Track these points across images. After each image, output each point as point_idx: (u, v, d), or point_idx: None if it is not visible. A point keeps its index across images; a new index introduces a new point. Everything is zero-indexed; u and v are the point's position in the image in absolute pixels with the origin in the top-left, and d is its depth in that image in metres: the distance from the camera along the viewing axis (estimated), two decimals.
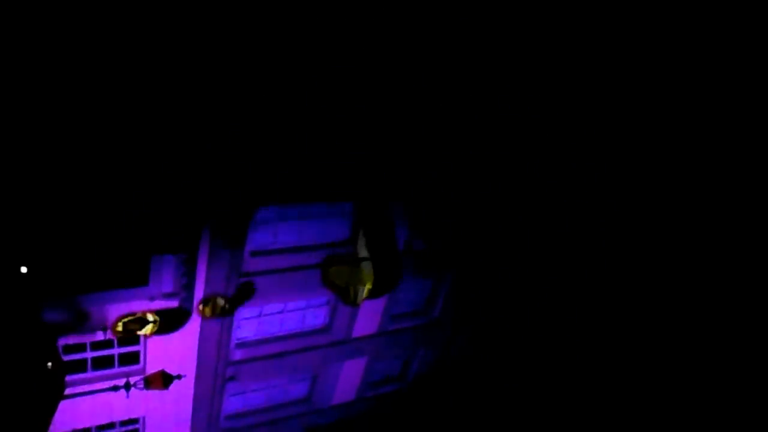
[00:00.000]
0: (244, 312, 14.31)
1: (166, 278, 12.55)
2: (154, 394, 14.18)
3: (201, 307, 13.39)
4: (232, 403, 16.05)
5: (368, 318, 16.07)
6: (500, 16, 12.94)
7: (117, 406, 13.93)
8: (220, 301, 13.53)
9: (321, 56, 11.74)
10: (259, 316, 14.73)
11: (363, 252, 13.98)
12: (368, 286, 13.63)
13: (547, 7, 13.24)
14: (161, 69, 10.49)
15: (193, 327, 13.49)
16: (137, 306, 12.56)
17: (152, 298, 12.59)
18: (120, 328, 12.58)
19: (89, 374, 13.30)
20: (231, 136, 11.64)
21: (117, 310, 12.38)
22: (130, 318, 12.66)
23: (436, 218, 15.33)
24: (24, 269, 10.33)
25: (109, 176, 11.05)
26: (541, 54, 13.75)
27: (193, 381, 14.46)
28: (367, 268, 13.73)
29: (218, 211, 12.31)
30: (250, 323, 14.72)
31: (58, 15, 9.51)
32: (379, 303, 16.02)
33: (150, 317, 12.80)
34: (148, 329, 12.87)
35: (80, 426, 13.95)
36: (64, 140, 10.41)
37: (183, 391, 14.50)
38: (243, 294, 14.00)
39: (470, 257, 16.57)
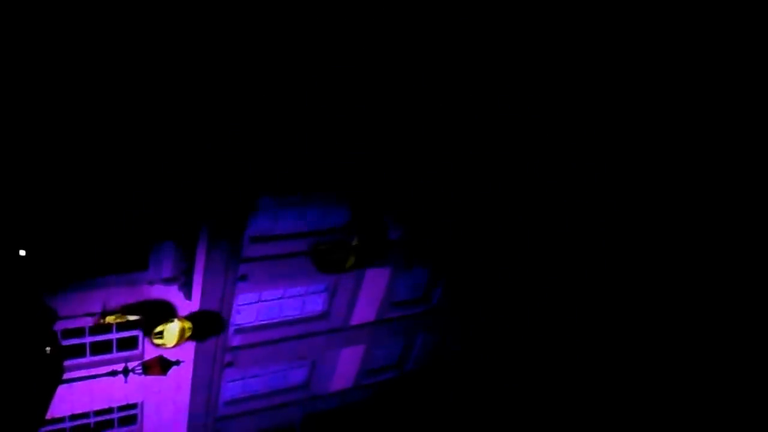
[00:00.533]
0: (243, 298, 14.35)
1: (165, 263, 12.57)
2: (153, 379, 14.25)
3: (157, 331, 12.79)
4: (230, 389, 16.12)
5: (367, 305, 16.12)
6: (500, 15, 12.94)
7: (115, 391, 13.99)
8: (186, 323, 13.12)
9: (321, 57, 11.77)
10: (258, 302, 14.77)
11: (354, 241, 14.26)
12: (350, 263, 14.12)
13: (546, 7, 13.25)
14: (165, 70, 10.54)
15: (191, 311, 13.51)
16: (136, 291, 12.58)
17: (151, 283, 12.61)
18: (113, 318, 12.62)
19: (88, 359, 13.34)
20: (231, 135, 11.69)
21: (116, 294, 12.40)
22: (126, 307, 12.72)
23: (435, 216, 15.38)
24: (23, 252, 10.33)
25: (111, 166, 11.07)
26: (540, 54, 13.75)
27: (191, 367, 14.51)
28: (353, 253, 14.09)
29: (218, 203, 12.33)
30: (249, 309, 14.75)
31: (60, 15, 9.52)
32: (378, 291, 16.08)
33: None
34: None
35: (78, 411, 14.01)
36: (68, 131, 10.45)
37: (181, 377, 14.56)
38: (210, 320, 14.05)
39: (468, 253, 16.65)
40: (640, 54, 14.05)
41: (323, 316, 15.78)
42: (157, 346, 12.92)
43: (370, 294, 15.94)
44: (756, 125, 13.93)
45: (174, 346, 13.04)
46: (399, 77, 12.80)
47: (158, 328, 12.85)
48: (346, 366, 17.24)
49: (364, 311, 16.22)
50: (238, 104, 11.47)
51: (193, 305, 13.49)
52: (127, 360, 13.43)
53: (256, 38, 11.01)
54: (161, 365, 13.09)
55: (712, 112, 14.24)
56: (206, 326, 13.97)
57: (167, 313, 13.22)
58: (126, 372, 13.12)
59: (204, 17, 10.40)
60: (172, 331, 12.91)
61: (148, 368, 13.07)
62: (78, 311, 12.26)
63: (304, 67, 11.75)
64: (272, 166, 12.60)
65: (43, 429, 13.83)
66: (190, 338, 13.37)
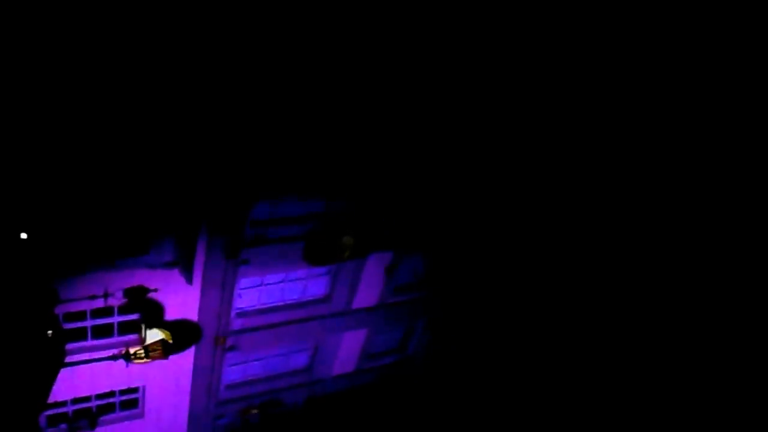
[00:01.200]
0: (245, 282, 14.41)
1: (166, 248, 12.62)
2: (154, 363, 14.29)
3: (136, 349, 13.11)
4: (232, 373, 16.22)
5: (369, 290, 16.19)
6: (500, 15, 13.06)
7: (117, 375, 14.06)
8: (166, 333, 13.29)
9: (319, 61, 11.97)
10: (260, 285, 14.83)
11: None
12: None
13: (546, 7, 13.37)
14: (170, 72, 10.73)
15: (192, 295, 13.58)
16: (137, 275, 12.65)
17: (153, 267, 12.66)
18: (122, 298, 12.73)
19: (89, 342, 13.42)
20: (232, 131, 11.89)
21: (117, 278, 12.47)
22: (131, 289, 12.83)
23: (432, 207, 15.55)
24: (24, 235, 10.38)
25: (115, 154, 11.19)
26: (540, 54, 13.84)
27: (192, 350, 14.60)
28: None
29: (219, 194, 12.45)
30: (250, 293, 14.82)
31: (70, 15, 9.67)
32: (380, 275, 16.16)
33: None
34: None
35: (80, 394, 14.13)
36: (76, 124, 10.60)
37: (183, 361, 14.64)
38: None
39: (465, 242, 16.79)
40: (639, 54, 14.17)
41: (325, 299, 15.86)
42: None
43: (372, 278, 16.01)
44: (756, 125, 14.02)
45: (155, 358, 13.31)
46: (394, 77, 12.97)
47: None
48: (348, 350, 17.35)
49: (366, 295, 16.29)
50: (239, 104, 11.60)
51: (194, 290, 13.56)
52: (128, 344, 13.51)
53: (261, 41, 11.16)
54: (162, 349, 13.20)
55: (712, 112, 14.33)
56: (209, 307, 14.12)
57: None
58: (127, 356, 13.23)
59: (210, 20, 10.54)
60: (152, 338, 13.29)
61: (149, 352, 13.18)
62: (78, 294, 12.33)
63: (303, 69, 11.91)
64: (271, 163, 12.77)
65: (46, 412, 13.95)
66: (173, 348, 13.58)
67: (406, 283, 17.12)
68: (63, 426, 14.52)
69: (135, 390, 15.04)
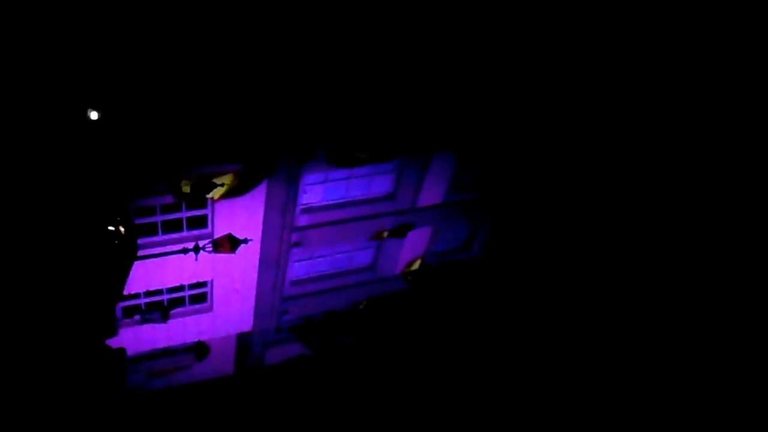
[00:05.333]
0: (309, 177, 15.03)
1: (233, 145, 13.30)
2: (222, 257, 15.20)
3: None
4: (297, 269, 17.13)
5: (434, 187, 16.62)
6: None
7: (186, 268, 15.07)
8: None
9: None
10: (325, 181, 15.44)
11: None
12: None
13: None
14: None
15: (258, 191, 14.31)
16: (205, 170, 13.39)
17: (219, 162, 13.36)
18: (187, 189, 13.49)
19: (159, 237, 14.40)
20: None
21: (185, 173, 13.25)
22: (197, 180, 13.56)
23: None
24: (94, 115, 10.56)
25: None
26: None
27: (259, 245, 15.45)
28: None
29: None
30: (315, 189, 15.46)
31: None
32: (446, 173, 16.52)
33: (218, 181, 13.65)
34: (216, 193, 13.77)
35: (153, 287, 15.28)
36: None
37: (249, 256, 15.54)
38: None
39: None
40: (639, 54, 14.39)
41: (390, 197, 16.39)
42: None
43: (438, 176, 16.40)
44: (756, 125, 13.87)
45: None
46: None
47: None
48: (411, 248, 17.99)
49: (432, 194, 16.74)
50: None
51: (261, 184, 14.25)
52: (197, 238, 14.41)
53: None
54: (230, 243, 14.05)
55: (712, 112, 14.21)
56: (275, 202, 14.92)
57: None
58: (196, 250, 14.12)
59: None
60: None
61: (217, 246, 14.06)
62: (150, 189, 13.19)
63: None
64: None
65: (121, 303, 15.20)
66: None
67: (471, 182, 17.45)
68: (137, 317, 15.82)
69: (204, 284, 16.13)
